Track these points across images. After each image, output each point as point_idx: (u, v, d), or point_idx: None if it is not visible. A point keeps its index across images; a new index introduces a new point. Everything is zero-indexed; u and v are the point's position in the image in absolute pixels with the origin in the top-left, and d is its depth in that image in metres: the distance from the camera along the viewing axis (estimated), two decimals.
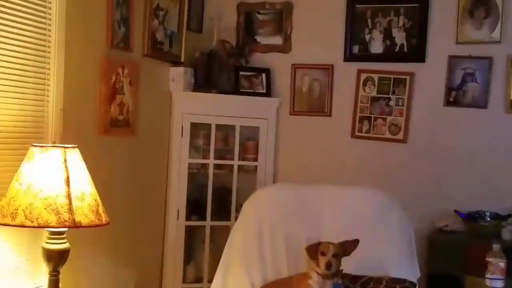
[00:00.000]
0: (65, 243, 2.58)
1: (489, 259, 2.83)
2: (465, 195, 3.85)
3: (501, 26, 3.83)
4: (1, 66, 2.62)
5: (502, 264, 2.81)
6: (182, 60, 4.03)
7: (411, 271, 3.04)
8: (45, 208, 2.41)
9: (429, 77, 4.01)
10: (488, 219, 3.67)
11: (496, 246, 2.86)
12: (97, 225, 2.54)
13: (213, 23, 4.26)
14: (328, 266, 2.71)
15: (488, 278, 2.82)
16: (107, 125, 3.32)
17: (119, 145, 3.48)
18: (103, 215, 2.57)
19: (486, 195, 3.81)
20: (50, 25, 2.88)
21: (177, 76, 3.98)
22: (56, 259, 2.57)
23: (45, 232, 2.57)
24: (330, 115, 4.24)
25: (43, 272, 2.74)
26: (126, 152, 3.57)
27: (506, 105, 3.84)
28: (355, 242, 2.79)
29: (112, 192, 3.16)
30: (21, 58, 2.72)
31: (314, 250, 2.77)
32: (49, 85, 2.89)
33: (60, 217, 2.42)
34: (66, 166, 2.50)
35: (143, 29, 3.61)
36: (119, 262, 3.52)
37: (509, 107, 3.83)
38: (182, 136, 4.03)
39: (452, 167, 3.94)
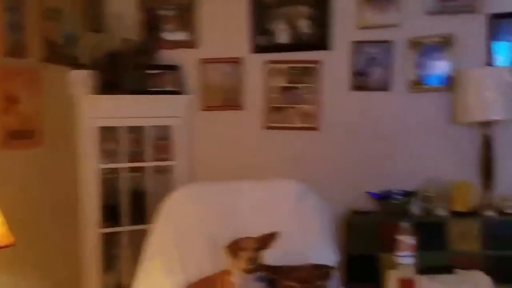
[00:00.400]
0: None
1: (399, 237, 2.87)
2: (376, 176, 3.94)
3: (399, 9, 3.91)
4: None
5: (411, 241, 2.85)
6: (84, 62, 3.89)
7: (330, 256, 3.08)
8: None
9: (335, 64, 4.06)
10: (398, 197, 3.76)
11: (404, 224, 2.90)
12: (2, 247, 2.42)
13: (115, 21, 4.13)
14: (250, 261, 2.70)
15: (398, 256, 2.87)
16: (7, 138, 3.14)
17: (23, 157, 3.32)
18: (7, 235, 2.45)
19: (396, 174, 3.91)
20: None
21: (79, 80, 3.84)
22: None
23: None
24: (243, 108, 4.23)
25: None
26: (32, 164, 3.41)
27: (407, 85, 3.95)
28: (274, 234, 2.79)
29: (20, 209, 3.03)
30: None
31: (234, 248, 2.76)
32: None
33: None
34: None
35: (38, 33, 3.44)
36: (33, 280, 3.37)
37: (410, 88, 3.94)
38: (90, 141, 3.90)
39: (363, 150, 4.01)
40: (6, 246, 2.44)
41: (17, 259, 3.12)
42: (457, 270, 3.19)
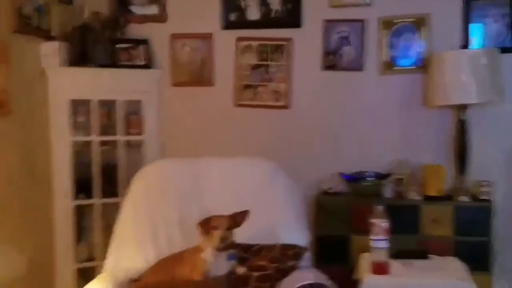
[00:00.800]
0: None
1: (372, 220, 2.90)
2: (347, 157, 3.95)
3: None
4: None
5: (384, 224, 2.87)
6: (54, 34, 3.82)
7: (301, 236, 3.10)
8: None
9: (306, 42, 4.05)
10: (370, 179, 3.75)
11: (378, 207, 2.92)
12: None
13: None
14: (222, 239, 2.73)
15: (372, 239, 2.89)
16: None
17: None
18: None
19: (367, 156, 3.92)
20: None
21: (50, 52, 3.77)
22: None
23: None
24: (212, 85, 4.20)
25: None
26: (1, 135, 3.35)
27: (379, 66, 3.95)
28: (245, 213, 2.82)
29: None
30: None
31: (206, 225, 2.78)
32: None
33: None
34: None
35: (8, 3, 3.36)
36: (7, 250, 3.35)
37: (382, 68, 3.94)
38: (61, 114, 3.85)
39: (334, 131, 4.02)
40: None
41: None
42: (431, 255, 3.22)
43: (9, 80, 3.37)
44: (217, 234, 2.74)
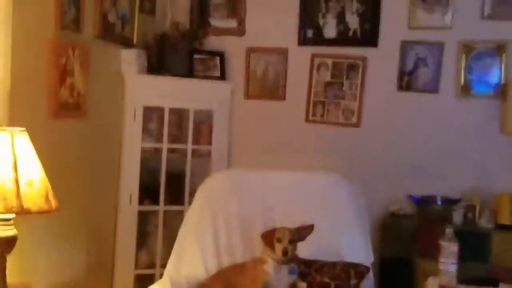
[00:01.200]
0: (12, 229, 2.48)
1: (442, 243, 2.81)
2: (417, 179, 3.89)
3: (452, 11, 3.87)
4: None
5: (455, 248, 2.79)
6: (135, 42, 3.93)
7: (365, 255, 3.05)
8: None
9: (382, 62, 4.03)
10: (440, 203, 3.70)
11: (449, 230, 2.84)
12: (46, 211, 2.45)
13: (166, 5, 4.18)
14: (284, 252, 2.70)
15: (441, 262, 2.81)
16: (57, 108, 3.20)
17: (70, 128, 3.37)
18: (52, 201, 2.48)
19: (438, 179, 3.86)
20: None
21: (130, 59, 3.89)
22: (2, 246, 2.46)
23: None
24: (284, 99, 4.22)
25: None
26: (77, 136, 3.46)
27: (456, 90, 3.89)
28: (310, 227, 2.78)
29: (63, 177, 3.06)
30: None
31: (270, 237, 2.75)
32: None
33: (7, 203, 2.33)
34: (13, 150, 2.39)
35: (94, 10, 3.48)
36: (70, 248, 3.43)
37: (459, 92, 3.88)
38: (134, 120, 3.94)
39: (404, 152, 3.97)
40: (50, 211, 2.47)
41: (58, 224, 3.19)
42: (503, 284, 3.09)
43: (88, 83, 3.48)
44: (280, 246, 2.71)
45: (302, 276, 2.82)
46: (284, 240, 2.71)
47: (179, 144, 4.14)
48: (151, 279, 3.83)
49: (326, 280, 2.77)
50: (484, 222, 3.59)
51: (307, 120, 4.16)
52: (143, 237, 4.10)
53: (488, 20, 3.82)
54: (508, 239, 3.46)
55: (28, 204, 2.38)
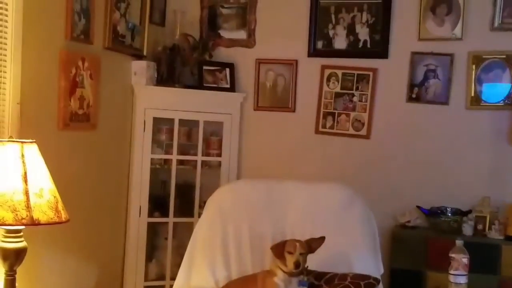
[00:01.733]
0: (22, 241, 2.49)
1: (452, 255, 2.81)
2: (427, 191, 3.88)
3: (462, 23, 3.87)
4: None
5: (465, 260, 2.79)
6: (145, 53, 3.95)
7: (374, 267, 3.03)
8: (1, 205, 2.31)
9: (391, 73, 4.02)
10: (450, 214, 3.67)
11: (459, 242, 2.84)
12: (56, 223, 2.45)
13: (176, 16, 4.17)
14: (296, 265, 2.68)
15: (451, 274, 2.81)
16: (67, 120, 3.21)
17: (79, 140, 3.38)
18: (62, 212, 2.49)
19: (448, 190, 3.84)
20: (6, 15, 2.76)
21: (139, 70, 3.90)
22: (12, 258, 2.47)
23: (1, 231, 2.47)
24: (294, 111, 4.22)
25: None
26: (86, 147, 3.47)
27: (466, 101, 3.88)
28: (321, 239, 2.76)
29: (72, 188, 3.07)
30: None
31: (280, 249, 2.74)
32: (5, 78, 2.77)
33: (17, 215, 2.33)
34: (23, 162, 2.40)
35: (104, 21, 3.51)
36: (80, 259, 3.43)
37: (469, 104, 3.87)
38: (144, 131, 3.95)
39: (414, 163, 3.96)
40: (60, 223, 2.47)
41: (66, 238, 3.19)
42: None
43: (98, 94, 3.49)
44: (291, 258, 2.69)
45: None
46: (296, 252, 2.70)
47: (188, 155, 4.14)
48: None
49: None
50: (494, 234, 3.57)
51: (317, 131, 4.15)
52: (152, 249, 4.10)
53: (498, 32, 3.81)
54: None
55: (38, 215, 2.38)
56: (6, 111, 2.80)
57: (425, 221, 3.78)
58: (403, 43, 3.99)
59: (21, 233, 2.48)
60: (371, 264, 3.02)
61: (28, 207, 2.35)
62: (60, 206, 2.49)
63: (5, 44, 2.77)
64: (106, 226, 3.74)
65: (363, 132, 4.06)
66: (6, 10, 2.76)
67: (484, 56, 3.83)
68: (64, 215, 2.49)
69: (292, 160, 4.16)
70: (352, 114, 4.09)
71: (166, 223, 4.04)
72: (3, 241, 2.46)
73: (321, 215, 3.11)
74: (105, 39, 3.53)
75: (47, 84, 3.08)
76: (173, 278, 3.20)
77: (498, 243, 3.50)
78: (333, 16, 4.13)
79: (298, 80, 4.20)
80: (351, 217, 3.12)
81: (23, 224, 2.36)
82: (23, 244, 2.49)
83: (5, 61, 2.77)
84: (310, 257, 2.75)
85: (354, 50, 4.10)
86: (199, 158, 4.12)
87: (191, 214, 4.03)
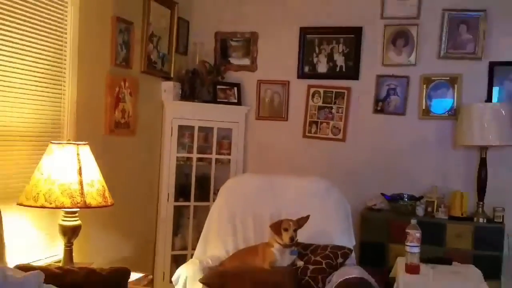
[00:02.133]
0: (77, 220, 2.51)
1: (408, 231, 2.83)
2: (389, 182, 3.85)
3: (416, 53, 3.85)
4: (28, 80, 2.54)
5: (418, 234, 2.81)
6: (172, 76, 3.94)
7: (348, 240, 3.04)
8: (61, 193, 2.33)
9: (362, 91, 3.99)
10: (406, 200, 3.66)
11: (413, 221, 2.87)
12: (103, 206, 2.46)
13: (196, 47, 4.18)
14: (291, 239, 2.71)
15: (407, 245, 2.83)
16: (112, 127, 3.22)
17: (121, 142, 3.39)
18: (108, 198, 2.50)
19: (405, 181, 3.82)
20: (66, 47, 2.78)
21: (168, 89, 3.90)
22: (70, 233, 2.49)
23: (61, 212, 2.49)
24: (287, 120, 4.19)
25: (60, 244, 2.63)
26: (127, 148, 3.47)
27: (419, 113, 3.86)
28: (307, 217, 2.79)
29: (116, 180, 3.06)
30: (42, 73, 2.64)
31: (277, 227, 2.77)
32: (64, 95, 2.81)
33: (73, 200, 2.34)
34: (79, 159, 2.42)
35: (141, 51, 3.52)
36: (121, 234, 3.43)
37: (421, 114, 3.86)
38: (171, 135, 3.94)
39: (380, 161, 3.93)
40: (106, 206, 2.48)
41: (111, 217, 3.20)
42: (455, 263, 3.11)
43: (136, 107, 3.50)
44: (286, 234, 2.72)
45: (301, 256, 2.82)
46: (290, 229, 2.71)
47: (205, 154, 4.13)
48: (184, 258, 3.83)
49: (319, 259, 2.76)
50: (441, 215, 3.57)
51: (304, 135, 4.13)
52: (178, 226, 4.09)
53: (443, 59, 3.80)
54: (458, 228, 3.47)
55: (89, 200, 2.39)
56: (65, 121, 2.82)
57: (387, 205, 3.76)
58: (370, 68, 3.97)
59: (77, 214, 2.50)
60: (345, 238, 3.03)
61: (82, 194, 2.36)
62: (107, 193, 2.50)
63: (64, 69, 2.79)
64: (142, 208, 3.74)
65: (340, 136, 4.04)
66: (66, 42, 2.79)
67: (432, 78, 3.82)
68: (110, 200, 2.50)
69: (286, 158, 4.14)
70: (331, 122, 4.07)
71: (188, 206, 4.03)
72: (63, 220, 2.48)
73: (307, 201, 3.11)
74: (141, 65, 3.54)
75: (97, 99, 3.09)
76: (193, 249, 3.19)
77: (444, 222, 3.51)
78: (316, 47, 4.11)
79: (290, 96, 4.18)
80: (329, 202, 3.13)
81: (78, 207, 2.38)
82: (78, 222, 2.50)
83: (65, 81, 2.80)
84: (299, 232, 2.77)
85: (333, 73, 4.08)
86: (214, 156, 4.12)
87: (207, 199, 4.02)
